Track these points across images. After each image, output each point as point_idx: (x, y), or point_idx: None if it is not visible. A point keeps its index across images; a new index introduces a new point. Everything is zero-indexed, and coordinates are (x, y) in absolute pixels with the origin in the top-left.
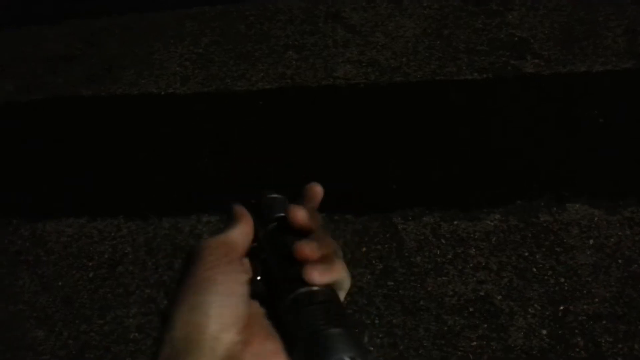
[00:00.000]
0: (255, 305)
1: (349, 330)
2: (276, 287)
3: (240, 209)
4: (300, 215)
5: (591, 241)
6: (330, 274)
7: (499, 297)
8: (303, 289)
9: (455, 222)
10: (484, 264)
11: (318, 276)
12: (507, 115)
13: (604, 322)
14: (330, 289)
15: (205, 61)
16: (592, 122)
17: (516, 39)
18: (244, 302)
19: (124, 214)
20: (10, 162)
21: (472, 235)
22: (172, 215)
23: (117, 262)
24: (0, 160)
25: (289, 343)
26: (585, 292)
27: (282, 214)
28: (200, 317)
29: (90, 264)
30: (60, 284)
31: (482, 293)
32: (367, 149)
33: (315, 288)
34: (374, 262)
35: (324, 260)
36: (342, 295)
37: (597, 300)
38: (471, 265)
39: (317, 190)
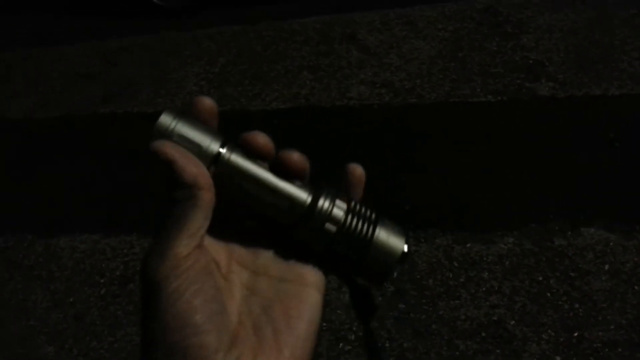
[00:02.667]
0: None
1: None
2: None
3: (190, 167)
4: (262, 137)
5: (606, 266)
6: None
7: (512, 322)
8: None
9: (468, 245)
10: (497, 288)
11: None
12: (521, 138)
13: (620, 349)
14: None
15: (221, 81)
16: (607, 146)
17: (531, 61)
18: (222, 312)
19: (137, 232)
20: (26, 177)
21: (485, 258)
22: None
23: (129, 279)
24: (16, 175)
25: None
26: (600, 318)
27: (221, 144)
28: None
29: (102, 280)
30: (71, 300)
31: (495, 318)
32: (380, 170)
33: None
34: (385, 284)
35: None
36: None
37: (612, 327)
38: (484, 289)
39: (359, 172)
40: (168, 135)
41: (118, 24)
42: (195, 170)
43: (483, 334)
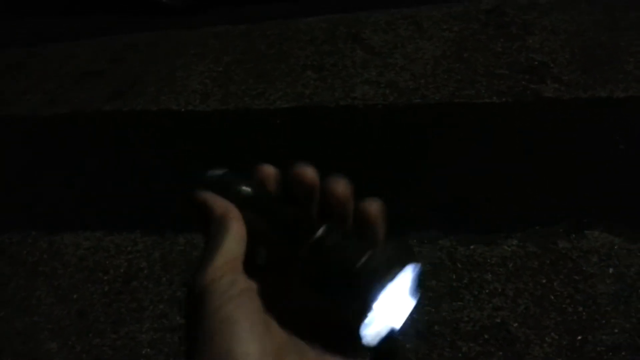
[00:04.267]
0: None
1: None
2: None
3: (220, 204)
4: (310, 172)
5: (611, 270)
6: None
7: (515, 325)
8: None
9: (471, 247)
10: (500, 290)
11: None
12: (526, 139)
13: (623, 353)
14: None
15: (225, 79)
16: (612, 148)
17: (536, 63)
18: (266, 329)
19: (140, 229)
20: (31, 174)
21: (488, 260)
22: (188, 231)
23: (132, 276)
24: (21, 172)
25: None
26: (604, 322)
27: (248, 186)
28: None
29: (106, 277)
30: (75, 296)
31: (497, 320)
32: (383, 170)
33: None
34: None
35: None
36: None
37: (616, 330)
38: (487, 290)
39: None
40: (205, 186)
41: (124, 22)
42: (223, 204)
43: (486, 336)
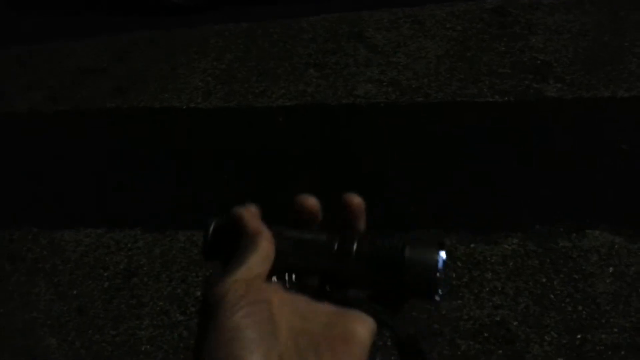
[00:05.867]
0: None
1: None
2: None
3: (254, 222)
4: (312, 201)
5: (611, 269)
6: None
7: (515, 323)
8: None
9: (472, 245)
10: (500, 289)
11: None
12: (527, 139)
13: (623, 352)
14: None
15: (227, 77)
16: (614, 149)
17: (539, 62)
18: (274, 339)
19: (141, 226)
20: (33, 170)
21: (488, 259)
22: (189, 229)
23: (132, 273)
24: (22, 168)
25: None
26: (604, 321)
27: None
28: None
29: (106, 274)
30: (75, 292)
31: (497, 318)
32: (385, 169)
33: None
34: (438, 296)
35: None
36: None
37: (616, 330)
38: (487, 289)
39: (357, 201)
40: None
41: (127, 19)
42: (257, 224)
43: (485, 335)
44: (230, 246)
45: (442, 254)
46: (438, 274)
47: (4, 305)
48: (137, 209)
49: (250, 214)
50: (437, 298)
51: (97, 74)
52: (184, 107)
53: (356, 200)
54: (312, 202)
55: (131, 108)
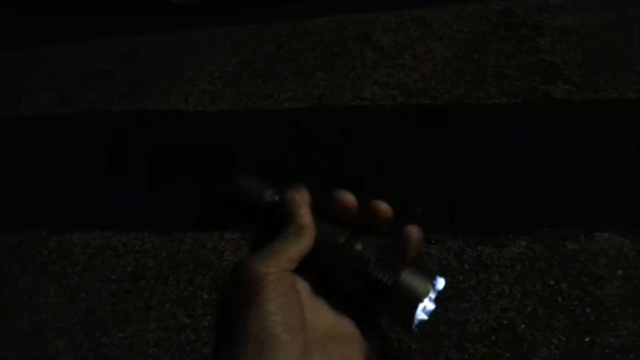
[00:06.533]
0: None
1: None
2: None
3: (304, 212)
4: (384, 207)
5: (620, 272)
6: None
7: (523, 326)
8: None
9: (479, 248)
10: (507, 292)
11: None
12: (535, 141)
13: (632, 355)
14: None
15: (234, 80)
16: (623, 150)
17: (547, 64)
18: (302, 325)
19: (149, 229)
20: (40, 173)
21: (496, 261)
22: (196, 231)
23: (140, 275)
24: (30, 171)
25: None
26: (612, 324)
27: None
28: (270, 353)
29: (114, 276)
30: (83, 295)
31: (505, 321)
32: (392, 171)
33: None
34: (412, 329)
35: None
36: None
37: (624, 332)
38: (495, 292)
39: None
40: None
41: (134, 22)
42: (307, 215)
43: (493, 338)
44: (255, 208)
45: (432, 295)
46: (420, 310)
47: (13, 308)
48: (145, 212)
49: (302, 199)
50: (413, 329)
51: (105, 77)
52: (191, 110)
53: (383, 206)
54: (349, 199)
55: (139, 111)
